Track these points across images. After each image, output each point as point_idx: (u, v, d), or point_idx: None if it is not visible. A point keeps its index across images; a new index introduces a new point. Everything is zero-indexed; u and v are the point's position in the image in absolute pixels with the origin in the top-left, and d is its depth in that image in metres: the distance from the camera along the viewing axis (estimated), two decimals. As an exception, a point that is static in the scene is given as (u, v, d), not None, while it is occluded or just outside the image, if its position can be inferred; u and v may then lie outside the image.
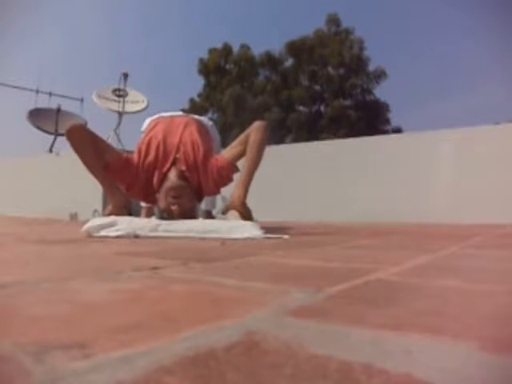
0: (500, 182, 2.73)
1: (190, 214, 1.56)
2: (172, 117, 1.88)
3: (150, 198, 1.67)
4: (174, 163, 1.63)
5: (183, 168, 1.62)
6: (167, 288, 0.48)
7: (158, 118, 1.90)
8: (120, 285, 0.49)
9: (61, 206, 3.44)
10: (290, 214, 3.29)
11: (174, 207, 1.53)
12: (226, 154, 1.65)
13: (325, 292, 0.45)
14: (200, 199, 1.77)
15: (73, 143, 1.54)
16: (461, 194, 2.84)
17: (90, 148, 1.55)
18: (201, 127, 1.82)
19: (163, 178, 1.61)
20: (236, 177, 1.68)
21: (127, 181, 1.64)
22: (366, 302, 0.41)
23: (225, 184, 1.70)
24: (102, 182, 1.63)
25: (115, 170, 1.61)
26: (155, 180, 1.62)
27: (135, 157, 1.65)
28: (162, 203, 1.57)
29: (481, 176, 2.80)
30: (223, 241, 1.18)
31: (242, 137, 1.65)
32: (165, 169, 1.62)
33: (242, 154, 1.63)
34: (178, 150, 1.65)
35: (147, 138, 1.70)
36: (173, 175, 1.60)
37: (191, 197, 1.60)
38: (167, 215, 1.54)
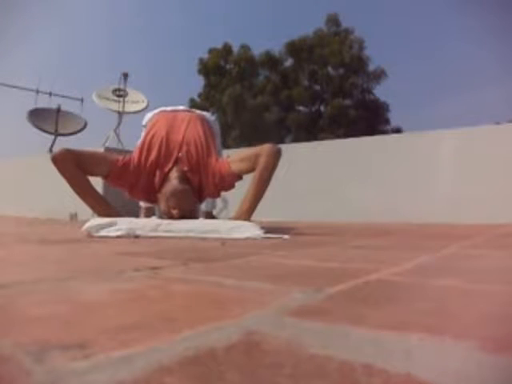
0: (500, 182, 2.73)
1: (190, 215, 1.55)
2: (175, 112, 1.85)
3: (152, 197, 1.66)
4: (176, 162, 1.62)
5: (185, 168, 1.61)
6: (167, 288, 0.48)
7: (160, 113, 1.87)
8: (120, 285, 0.49)
9: (61, 205, 3.44)
10: (290, 213, 3.29)
11: (174, 211, 1.52)
12: (233, 164, 1.60)
13: (325, 292, 0.45)
14: (201, 200, 1.76)
15: (58, 169, 1.53)
16: (461, 194, 2.84)
17: (72, 171, 1.53)
18: (204, 124, 1.79)
19: (165, 177, 1.60)
20: (238, 184, 1.67)
21: (128, 184, 1.63)
22: (366, 301, 0.41)
23: (225, 190, 1.69)
24: (87, 203, 1.60)
25: (115, 178, 1.60)
26: (157, 179, 1.61)
27: (136, 156, 1.62)
28: (162, 205, 1.56)
29: (481, 176, 2.80)
30: (224, 241, 1.17)
31: (251, 153, 1.61)
32: (166, 168, 1.61)
33: (248, 171, 1.60)
34: (180, 149, 1.63)
35: (149, 135, 1.68)
36: (174, 177, 1.58)
37: (192, 199, 1.60)
38: (168, 218, 1.53)
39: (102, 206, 1.59)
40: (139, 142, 1.74)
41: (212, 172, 1.61)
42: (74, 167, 1.52)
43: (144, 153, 1.63)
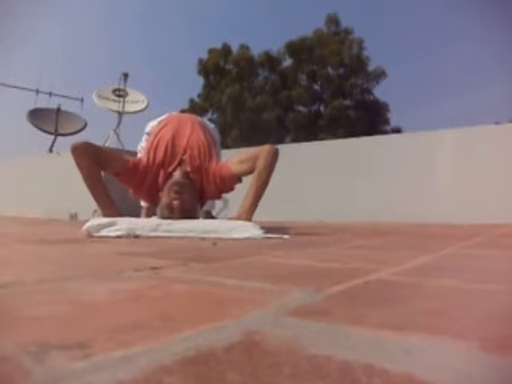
0: (500, 182, 2.73)
1: (190, 212, 1.58)
2: (179, 117, 1.96)
3: (154, 197, 1.70)
4: (179, 164, 1.68)
5: (188, 169, 1.66)
6: (167, 288, 0.48)
7: (166, 118, 1.96)
8: (120, 285, 0.49)
9: (61, 206, 3.44)
10: (290, 213, 3.29)
11: (175, 202, 1.55)
12: (233, 166, 1.66)
13: (325, 292, 0.45)
14: (202, 202, 1.79)
15: (76, 160, 1.59)
16: (460, 194, 2.84)
17: (90, 163, 1.58)
18: (205, 130, 1.88)
19: (168, 177, 1.65)
20: (238, 185, 1.72)
21: (135, 184, 1.69)
22: (366, 301, 0.41)
23: (226, 192, 1.75)
24: (97, 200, 1.63)
25: (124, 177, 1.67)
26: (160, 179, 1.66)
27: (144, 159, 1.69)
28: (164, 199, 1.59)
29: (481, 176, 2.80)
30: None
31: (250, 155, 1.66)
32: (170, 168, 1.67)
33: (248, 172, 1.65)
34: (184, 153, 1.70)
35: (156, 139, 1.75)
36: (178, 174, 1.64)
37: (193, 195, 1.63)
38: (168, 211, 1.56)
39: (108, 204, 1.62)
40: (140, 145, 1.81)
41: (213, 174, 1.67)
42: (91, 160, 1.58)
43: (151, 154, 1.70)
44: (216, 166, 1.67)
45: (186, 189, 1.58)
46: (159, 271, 0.60)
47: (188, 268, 0.64)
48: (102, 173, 1.65)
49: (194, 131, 1.79)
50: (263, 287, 0.48)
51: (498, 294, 0.46)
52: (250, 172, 1.64)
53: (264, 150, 1.63)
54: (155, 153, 1.70)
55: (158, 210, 1.64)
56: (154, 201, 1.74)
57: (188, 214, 1.55)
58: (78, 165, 1.58)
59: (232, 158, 1.72)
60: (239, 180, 1.70)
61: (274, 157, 1.63)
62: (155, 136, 1.78)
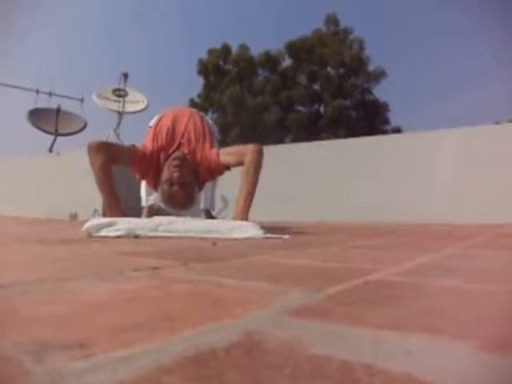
0: (500, 182, 2.73)
1: (188, 187, 1.68)
2: (177, 108, 2.12)
3: (158, 178, 1.80)
4: (178, 148, 1.81)
5: (186, 151, 1.79)
6: (167, 288, 0.48)
7: (166, 110, 2.09)
8: (120, 285, 0.49)
9: (61, 205, 3.44)
10: (290, 213, 3.29)
11: (175, 175, 1.65)
12: (222, 156, 1.79)
13: (325, 292, 0.45)
14: (198, 184, 1.86)
15: (91, 158, 1.67)
16: (460, 194, 2.84)
17: (104, 161, 1.66)
18: (202, 120, 2.02)
19: (168, 158, 1.76)
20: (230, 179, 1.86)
21: (143, 169, 1.82)
22: (366, 302, 0.41)
23: (216, 175, 1.91)
24: (106, 196, 1.71)
25: (134, 165, 1.80)
26: (161, 160, 1.78)
27: (150, 146, 1.82)
28: (165, 175, 1.69)
29: (481, 176, 2.80)
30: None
31: (237, 148, 1.82)
32: (170, 151, 1.80)
33: (234, 164, 1.79)
34: (182, 137, 1.85)
35: (158, 127, 1.89)
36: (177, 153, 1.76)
37: (192, 172, 1.73)
38: (169, 185, 1.65)
39: (115, 205, 1.68)
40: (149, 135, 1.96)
41: (204, 156, 1.80)
42: (105, 158, 1.67)
43: (155, 141, 1.84)
44: (207, 152, 1.81)
45: (185, 163, 1.70)
46: (159, 271, 0.60)
47: (188, 268, 0.64)
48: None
49: (191, 118, 1.94)
50: (263, 287, 0.48)
51: (498, 294, 0.46)
52: (235, 164, 1.78)
53: (249, 148, 1.75)
54: (158, 139, 1.83)
55: (159, 191, 1.74)
56: (157, 185, 1.84)
57: (185, 189, 1.66)
58: (92, 162, 1.67)
59: (222, 149, 1.86)
60: (227, 168, 1.84)
61: (258, 153, 1.74)
62: (156, 125, 1.92)
